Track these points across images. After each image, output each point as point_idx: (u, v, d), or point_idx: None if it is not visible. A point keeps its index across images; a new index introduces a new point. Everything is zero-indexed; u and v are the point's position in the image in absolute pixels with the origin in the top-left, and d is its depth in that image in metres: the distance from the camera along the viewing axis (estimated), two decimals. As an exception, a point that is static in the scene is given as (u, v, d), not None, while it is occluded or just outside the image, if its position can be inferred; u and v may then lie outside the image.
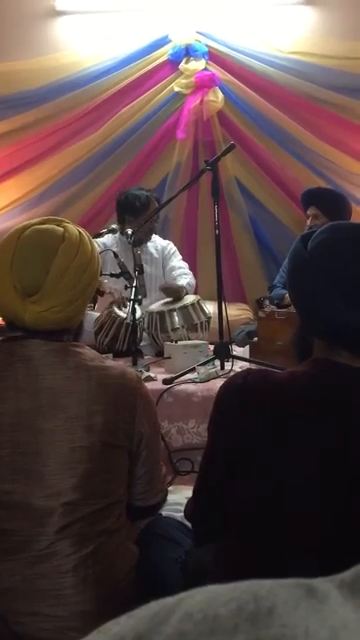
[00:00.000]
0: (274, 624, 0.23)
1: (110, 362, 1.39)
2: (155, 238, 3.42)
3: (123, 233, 2.94)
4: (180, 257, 3.38)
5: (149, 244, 3.33)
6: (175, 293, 2.89)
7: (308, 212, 3.57)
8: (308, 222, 3.52)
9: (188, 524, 1.36)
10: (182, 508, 1.34)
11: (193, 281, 3.22)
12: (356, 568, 0.27)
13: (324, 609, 0.24)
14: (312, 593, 0.25)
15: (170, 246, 3.39)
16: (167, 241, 3.44)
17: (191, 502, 1.23)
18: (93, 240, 1.42)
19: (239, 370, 1.60)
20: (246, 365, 2.41)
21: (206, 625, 0.24)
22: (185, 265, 3.33)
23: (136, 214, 3.20)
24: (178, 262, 3.32)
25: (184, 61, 3.93)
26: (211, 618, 0.24)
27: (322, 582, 0.26)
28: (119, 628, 0.26)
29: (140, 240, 3.01)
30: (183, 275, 3.19)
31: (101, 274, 2.52)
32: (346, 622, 0.23)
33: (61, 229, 1.33)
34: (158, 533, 1.44)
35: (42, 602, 1.24)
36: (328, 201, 3.53)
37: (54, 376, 1.28)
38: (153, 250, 3.33)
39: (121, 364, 1.48)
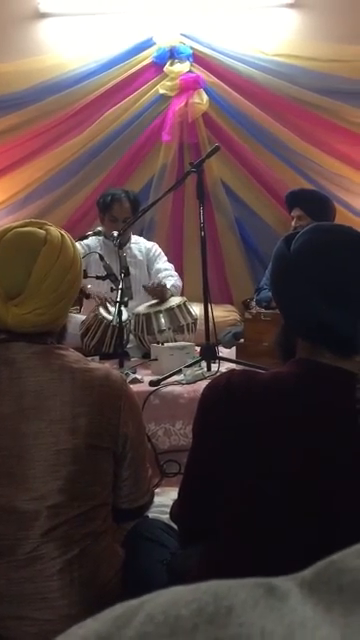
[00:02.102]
0: (232, 623, 0.23)
1: (94, 364, 1.39)
2: (139, 240, 3.42)
3: (108, 236, 2.93)
4: (165, 259, 3.38)
5: (133, 246, 3.32)
6: (158, 292, 2.87)
7: (292, 213, 3.59)
8: (293, 223, 3.54)
9: (174, 526, 1.36)
10: (168, 510, 1.34)
11: (179, 283, 3.22)
12: (316, 566, 0.27)
13: (282, 608, 0.24)
14: (272, 592, 0.25)
15: (155, 248, 3.38)
16: (152, 243, 3.44)
17: (176, 503, 1.22)
18: (77, 242, 1.42)
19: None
20: (233, 366, 2.42)
21: (167, 626, 0.24)
22: (171, 267, 3.33)
23: (102, 211, 3.23)
24: (164, 264, 3.32)
25: (169, 63, 3.94)
26: (172, 619, 0.24)
27: (283, 581, 0.26)
28: (83, 631, 0.26)
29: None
30: (169, 277, 3.19)
31: (86, 276, 2.52)
32: (304, 620, 0.23)
33: (43, 232, 1.33)
34: (144, 535, 1.44)
35: (28, 606, 1.23)
36: (312, 202, 3.55)
37: (37, 379, 1.28)
38: (137, 252, 3.33)
39: (105, 366, 1.48)
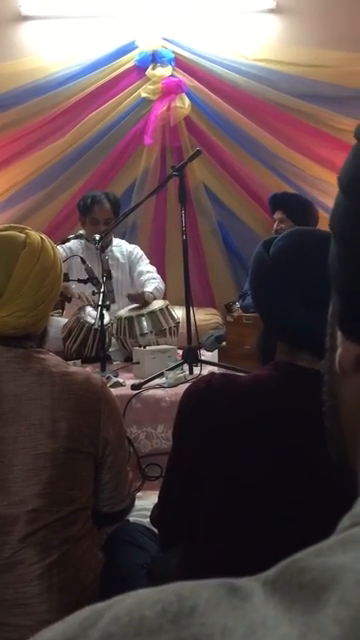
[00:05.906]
0: (194, 623, 0.24)
1: (74, 368, 1.39)
2: (121, 242, 3.41)
3: (90, 239, 2.93)
4: (147, 261, 3.37)
5: (114, 249, 3.32)
6: (140, 301, 2.87)
7: (275, 216, 3.61)
8: (275, 226, 3.56)
9: (155, 529, 1.36)
10: (149, 513, 1.34)
11: (161, 285, 3.20)
12: (279, 565, 0.27)
13: (245, 607, 0.24)
14: (234, 592, 0.25)
15: (137, 250, 3.38)
16: (133, 245, 3.44)
17: (156, 507, 1.22)
18: (59, 246, 1.42)
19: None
20: (215, 370, 2.42)
21: (132, 627, 0.24)
22: (153, 269, 3.32)
23: (83, 214, 3.24)
24: (146, 266, 3.31)
25: (151, 67, 3.95)
26: (137, 620, 0.24)
27: (247, 581, 0.27)
28: (50, 634, 0.26)
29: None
30: (151, 280, 3.18)
31: (68, 280, 2.51)
32: (265, 619, 0.24)
33: (23, 235, 1.33)
34: (124, 539, 1.44)
35: (7, 612, 1.22)
36: (294, 206, 3.57)
37: (17, 383, 1.27)
38: (119, 255, 3.32)
39: (85, 370, 1.48)
